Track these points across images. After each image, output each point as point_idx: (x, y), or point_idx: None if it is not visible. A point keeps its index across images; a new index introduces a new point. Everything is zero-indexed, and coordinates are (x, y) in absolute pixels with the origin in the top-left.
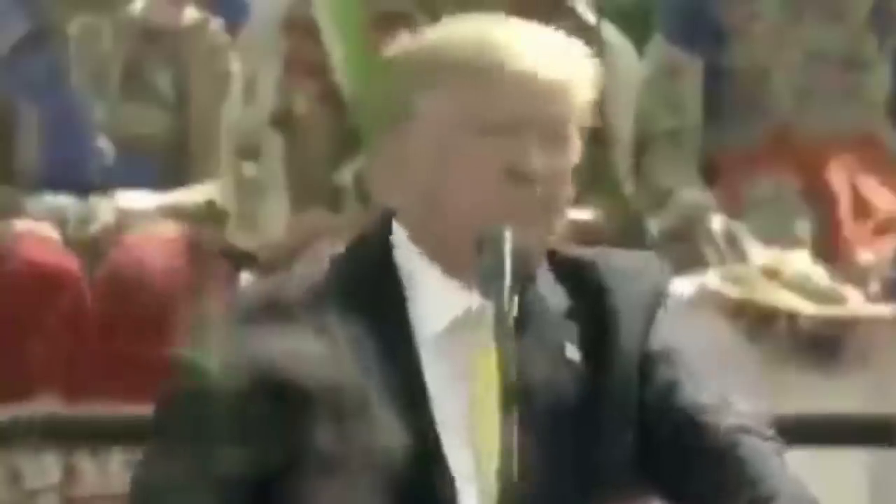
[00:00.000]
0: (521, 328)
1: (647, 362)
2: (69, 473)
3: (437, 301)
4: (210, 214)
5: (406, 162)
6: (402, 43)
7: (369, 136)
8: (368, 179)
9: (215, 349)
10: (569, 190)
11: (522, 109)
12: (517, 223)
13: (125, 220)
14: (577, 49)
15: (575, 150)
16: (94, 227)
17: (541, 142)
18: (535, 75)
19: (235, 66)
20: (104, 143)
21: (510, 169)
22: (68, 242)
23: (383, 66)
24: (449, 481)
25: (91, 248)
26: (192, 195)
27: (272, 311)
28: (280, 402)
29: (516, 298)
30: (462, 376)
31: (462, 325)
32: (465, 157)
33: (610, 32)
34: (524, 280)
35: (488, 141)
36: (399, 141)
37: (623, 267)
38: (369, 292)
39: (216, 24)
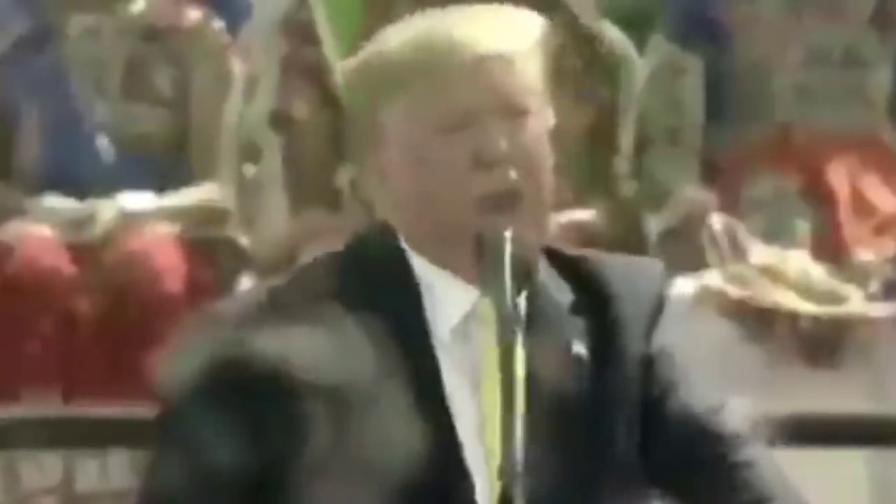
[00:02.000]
0: (529, 324)
1: (647, 366)
2: (69, 473)
3: (445, 300)
4: (210, 214)
5: (385, 174)
6: (352, 62)
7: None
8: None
9: (215, 350)
10: (549, 161)
11: (471, 96)
12: (504, 210)
13: (126, 220)
14: (517, 17)
15: (543, 119)
16: (95, 228)
17: (501, 122)
18: (477, 61)
19: (236, 66)
20: (105, 143)
21: (477, 158)
22: (69, 244)
23: (343, 87)
24: (465, 477)
25: (92, 248)
26: (193, 195)
27: (279, 310)
28: (291, 401)
29: (524, 294)
30: (472, 374)
31: (471, 323)
32: (434, 159)
33: (611, 32)
34: (527, 274)
35: (450, 137)
36: (376, 155)
37: (627, 273)
38: (385, 291)
39: (217, 24)
